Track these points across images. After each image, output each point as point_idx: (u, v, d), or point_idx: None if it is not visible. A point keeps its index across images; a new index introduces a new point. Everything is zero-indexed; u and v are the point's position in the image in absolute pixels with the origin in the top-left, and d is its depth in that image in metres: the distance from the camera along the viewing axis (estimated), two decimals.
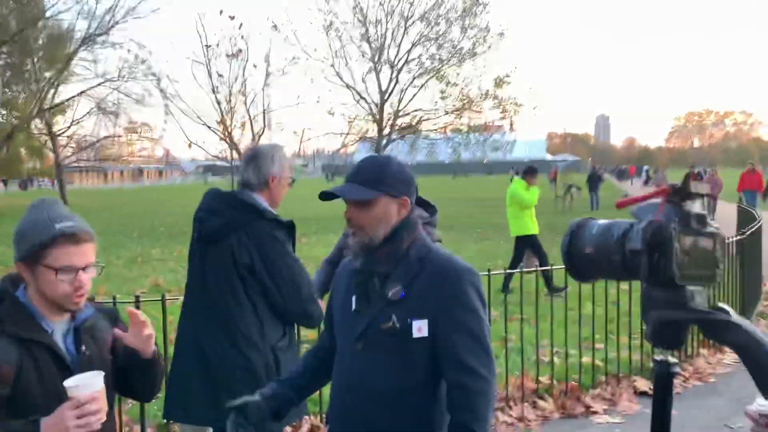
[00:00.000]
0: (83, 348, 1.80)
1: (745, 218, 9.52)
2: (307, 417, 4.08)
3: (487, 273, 4.47)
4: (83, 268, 1.74)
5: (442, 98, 24.84)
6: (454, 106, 24.70)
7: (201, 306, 2.70)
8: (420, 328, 1.77)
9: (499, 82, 23.67)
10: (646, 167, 67.51)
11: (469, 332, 1.78)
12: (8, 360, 1.67)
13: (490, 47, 23.74)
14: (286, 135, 27.85)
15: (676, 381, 3.48)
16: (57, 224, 1.72)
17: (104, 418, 1.63)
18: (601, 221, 1.19)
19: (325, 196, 1.87)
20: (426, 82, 24.57)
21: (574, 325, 5.08)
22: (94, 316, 1.87)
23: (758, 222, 7.82)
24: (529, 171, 9.13)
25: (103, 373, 1.67)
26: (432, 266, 1.81)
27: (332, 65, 24.26)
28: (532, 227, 9.03)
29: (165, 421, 3.51)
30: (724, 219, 12.26)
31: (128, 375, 1.90)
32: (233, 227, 2.62)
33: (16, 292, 1.78)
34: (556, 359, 5.10)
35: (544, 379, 4.90)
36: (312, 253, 11.03)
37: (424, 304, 1.78)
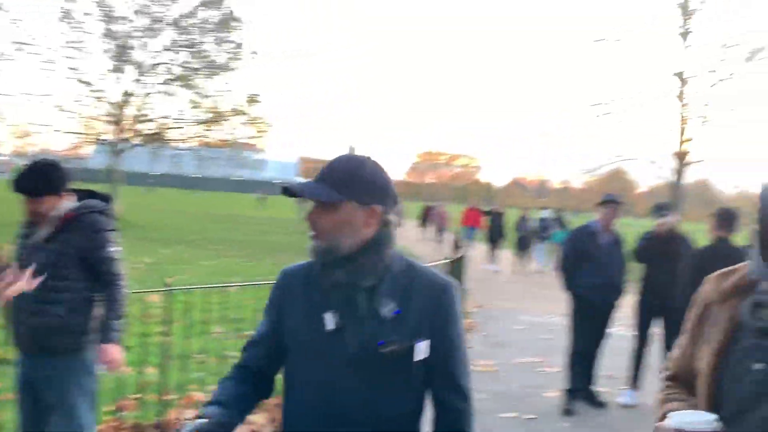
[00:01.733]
0: None
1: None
2: None
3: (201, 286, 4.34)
4: None
5: (192, 108, 23.98)
6: (203, 117, 23.97)
7: None
8: (421, 350, 1.62)
9: (250, 100, 23.60)
10: None
11: (462, 352, 1.70)
12: None
13: (242, 64, 23.59)
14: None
15: None
16: None
17: None
18: None
19: (288, 192, 1.63)
20: (174, 89, 23.48)
21: None
22: None
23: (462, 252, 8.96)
24: None
25: None
26: (421, 281, 1.67)
27: (69, 57, 21.90)
28: None
29: None
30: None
31: None
32: None
33: None
34: None
35: None
36: None
37: (421, 322, 1.63)
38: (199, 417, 1.60)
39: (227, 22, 23.15)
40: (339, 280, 1.62)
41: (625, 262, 5.79)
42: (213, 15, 23.11)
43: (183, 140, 24.64)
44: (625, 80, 21.01)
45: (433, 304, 1.65)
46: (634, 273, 6.26)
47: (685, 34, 19.40)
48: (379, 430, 1.61)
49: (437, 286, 1.67)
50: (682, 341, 1.55)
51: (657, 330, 5.90)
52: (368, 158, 1.70)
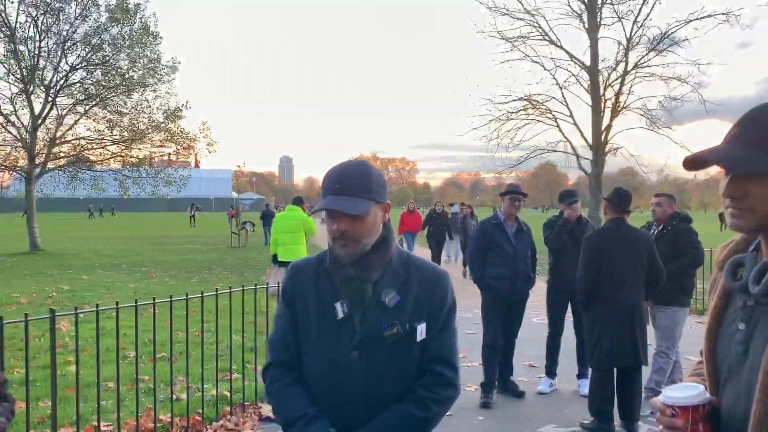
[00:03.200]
0: None
1: None
2: None
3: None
4: None
5: (109, 128, 23.16)
6: (122, 136, 23.19)
7: None
8: (422, 332, 1.81)
9: (170, 115, 22.97)
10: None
11: (453, 334, 1.89)
12: None
13: (161, 79, 22.95)
14: None
15: None
16: None
17: None
18: None
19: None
20: (89, 108, 22.61)
21: (214, 358, 4.98)
22: None
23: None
24: (298, 200, 10.57)
25: None
26: (417, 271, 1.86)
27: None
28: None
29: None
30: None
31: None
32: None
33: None
34: (185, 395, 4.92)
35: (165, 417, 4.66)
36: None
37: (419, 308, 1.82)
38: None
39: (141, 38, 22.48)
40: (350, 274, 1.81)
41: (534, 251, 5.89)
42: (125, 31, 22.39)
43: (102, 161, 23.77)
44: (545, 74, 21.50)
45: (428, 292, 1.84)
46: (544, 261, 6.39)
47: (593, 28, 20.09)
48: (382, 405, 1.78)
49: (432, 276, 1.88)
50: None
51: (569, 316, 6.03)
52: (363, 161, 1.91)
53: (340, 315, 1.80)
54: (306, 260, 1.96)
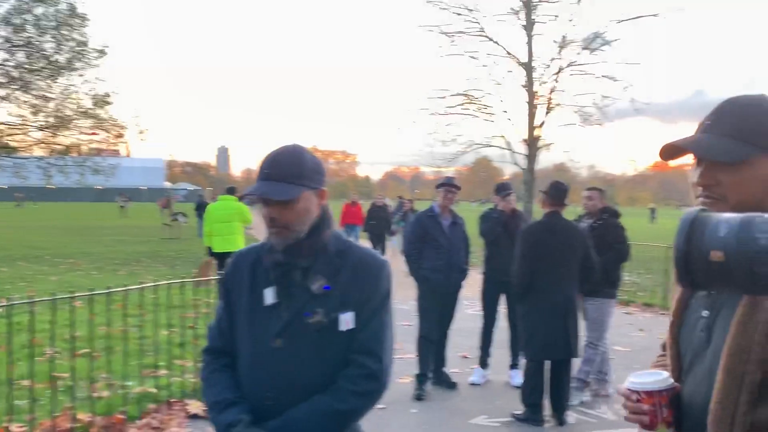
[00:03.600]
0: None
1: None
2: None
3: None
4: None
5: (33, 113, 22.01)
6: (47, 122, 22.08)
7: None
8: (347, 321, 1.76)
9: (99, 101, 22.02)
10: None
11: (383, 325, 1.81)
12: None
13: (89, 63, 21.94)
14: None
15: None
16: None
17: None
18: (724, 216, 0.99)
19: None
20: (12, 93, 21.43)
21: (139, 354, 4.76)
22: None
23: None
24: (231, 190, 10.23)
25: None
26: (353, 259, 1.82)
27: None
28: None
29: None
30: None
31: None
32: None
33: None
34: (108, 392, 4.70)
35: (85, 416, 4.42)
36: None
37: (348, 296, 1.77)
38: (232, 425, 1.74)
39: (68, 19, 21.42)
40: (279, 260, 1.78)
41: (467, 243, 5.92)
42: (50, 12, 21.29)
43: (25, 148, 22.58)
44: (480, 70, 21.75)
45: (360, 281, 1.79)
46: (478, 253, 6.44)
47: (529, 26, 20.47)
48: (306, 395, 1.74)
49: (367, 265, 1.82)
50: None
51: (502, 307, 6.10)
52: (298, 144, 1.83)
53: (268, 301, 1.79)
54: (249, 248, 1.95)
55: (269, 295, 1.79)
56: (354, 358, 1.78)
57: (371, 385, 1.79)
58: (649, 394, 1.27)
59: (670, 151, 1.26)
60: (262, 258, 1.85)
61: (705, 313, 1.25)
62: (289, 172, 1.74)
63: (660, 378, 1.28)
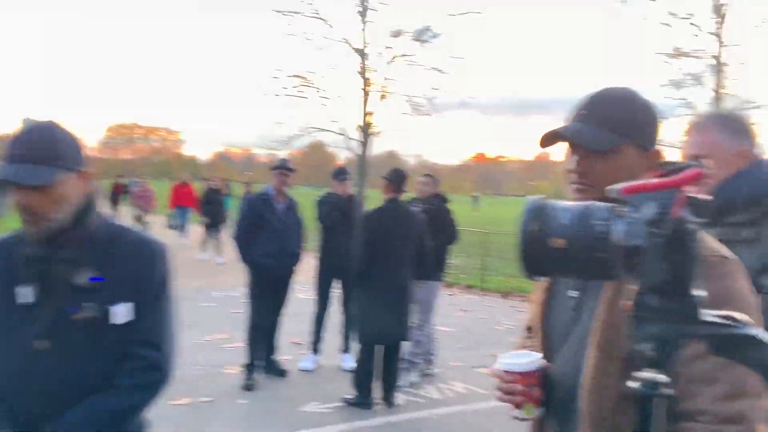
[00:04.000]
0: None
1: None
2: None
3: None
4: None
5: None
6: None
7: None
8: (123, 314, 1.61)
9: None
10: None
11: (163, 313, 1.70)
12: None
13: None
14: None
15: None
16: None
17: None
18: (564, 204, 0.97)
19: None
20: None
21: None
22: None
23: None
24: None
25: None
26: (126, 246, 1.67)
27: None
28: None
29: None
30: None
31: None
32: None
33: None
34: None
35: None
36: None
37: (122, 287, 1.62)
38: None
39: None
40: (36, 254, 1.59)
41: (301, 228, 5.79)
42: None
43: None
44: (317, 53, 21.61)
45: (135, 269, 1.65)
46: (311, 238, 6.34)
47: (363, 12, 20.72)
48: (84, 395, 1.59)
49: (142, 251, 1.68)
50: None
51: (336, 292, 6.06)
52: (52, 120, 1.62)
53: (24, 300, 1.59)
54: (2, 237, 1.74)
55: (26, 294, 1.59)
56: (131, 351, 1.65)
57: (152, 376, 1.68)
58: (524, 375, 1.31)
59: (549, 139, 1.31)
60: (14, 250, 1.65)
61: (574, 293, 1.31)
62: (41, 153, 1.53)
63: (533, 359, 1.32)
